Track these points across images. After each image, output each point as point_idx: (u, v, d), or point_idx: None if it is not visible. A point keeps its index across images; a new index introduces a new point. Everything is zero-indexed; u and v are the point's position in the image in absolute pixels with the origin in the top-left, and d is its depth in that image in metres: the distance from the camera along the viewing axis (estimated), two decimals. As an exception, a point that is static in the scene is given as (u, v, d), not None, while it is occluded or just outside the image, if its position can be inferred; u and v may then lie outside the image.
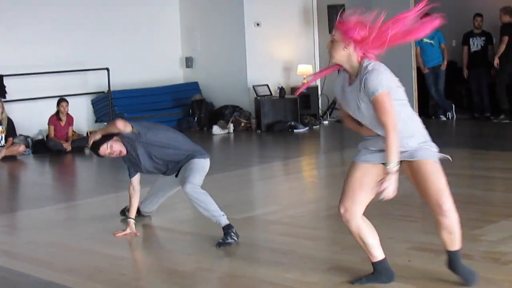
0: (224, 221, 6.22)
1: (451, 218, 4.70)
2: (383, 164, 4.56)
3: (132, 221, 6.70)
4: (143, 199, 6.99)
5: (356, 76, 4.57)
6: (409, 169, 4.74)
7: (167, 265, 5.91)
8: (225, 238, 6.14)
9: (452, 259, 4.84)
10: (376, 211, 7.37)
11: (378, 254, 4.92)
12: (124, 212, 7.23)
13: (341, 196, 4.83)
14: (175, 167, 6.66)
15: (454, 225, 4.75)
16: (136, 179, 6.72)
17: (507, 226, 6.55)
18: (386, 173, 4.50)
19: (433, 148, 4.82)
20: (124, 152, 6.43)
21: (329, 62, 4.77)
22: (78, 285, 5.41)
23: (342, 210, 4.78)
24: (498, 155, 10.65)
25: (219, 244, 6.13)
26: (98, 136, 6.42)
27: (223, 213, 6.27)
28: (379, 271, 4.93)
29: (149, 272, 5.74)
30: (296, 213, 7.52)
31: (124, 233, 6.67)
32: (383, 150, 4.53)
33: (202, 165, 6.58)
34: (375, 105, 4.46)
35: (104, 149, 6.36)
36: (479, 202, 7.64)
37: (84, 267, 5.88)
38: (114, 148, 6.37)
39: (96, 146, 6.41)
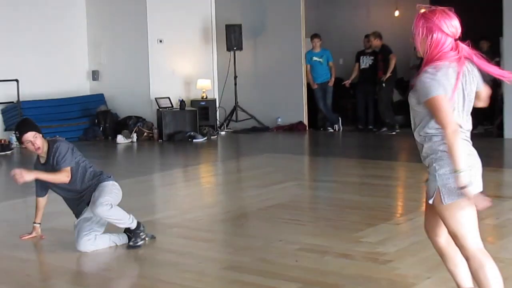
0: (135, 224, 6.12)
1: (469, 263, 3.82)
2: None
3: (37, 226, 6.51)
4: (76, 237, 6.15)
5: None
6: None
7: (72, 266, 5.81)
8: (135, 240, 6.08)
9: None
10: (268, 215, 7.46)
11: None
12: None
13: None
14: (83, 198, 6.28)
15: (475, 273, 3.80)
16: (43, 200, 6.49)
17: (386, 229, 6.70)
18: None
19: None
20: (41, 151, 6.20)
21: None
22: (-16, 286, 5.27)
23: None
24: (380, 164, 10.87)
25: (129, 247, 6.06)
26: (29, 177, 6.18)
27: (131, 217, 6.14)
28: None
29: (54, 273, 5.64)
30: (194, 217, 7.51)
31: (29, 236, 6.51)
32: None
33: (110, 187, 6.22)
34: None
35: (29, 136, 6.09)
36: (361, 207, 7.78)
37: (-10, 269, 5.73)
38: (37, 141, 6.13)
39: (24, 128, 6.17)
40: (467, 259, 3.81)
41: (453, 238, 3.84)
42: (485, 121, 14.07)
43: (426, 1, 19.11)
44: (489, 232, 6.60)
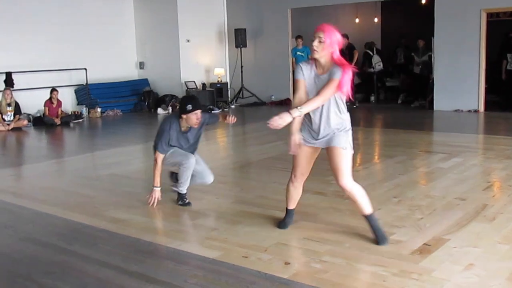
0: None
1: (348, 192, 4.18)
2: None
3: (158, 189, 5.50)
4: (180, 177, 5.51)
5: (327, 70, 4.03)
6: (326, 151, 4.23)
7: (126, 201, 5.81)
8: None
9: (367, 221, 4.27)
10: (265, 165, 7.47)
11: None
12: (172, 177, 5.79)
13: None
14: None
15: (353, 196, 4.20)
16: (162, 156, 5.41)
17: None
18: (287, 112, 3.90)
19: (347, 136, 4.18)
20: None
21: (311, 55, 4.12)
22: (64, 215, 5.29)
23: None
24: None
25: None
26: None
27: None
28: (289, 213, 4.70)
29: (114, 205, 5.63)
30: (213, 165, 7.43)
31: (152, 199, 5.51)
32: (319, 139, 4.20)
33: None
34: (329, 82, 3.96)
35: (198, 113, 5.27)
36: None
37: (68, 203, 5.74)
38: (199, 115, 5.28)
39: (198, 108, 5.29)
40: (344, 187, 4.16)
41: (339, 172, 4.13)
42: (420, 98, 14.02)
43: (378, 10, 19.00)
44: (422, 177, 6.62)
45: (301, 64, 4.19)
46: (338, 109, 4.13)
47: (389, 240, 4.19)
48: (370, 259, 3.90)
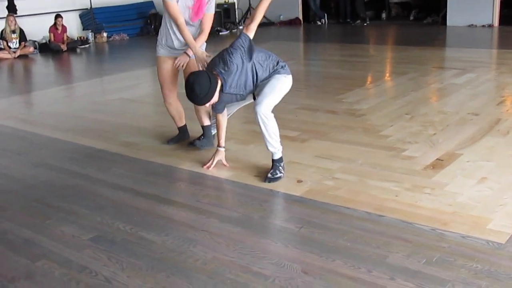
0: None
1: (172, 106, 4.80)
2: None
3: (222, 150, 4.31)
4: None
5: None
6: None
7: (136, 124, 5.81)
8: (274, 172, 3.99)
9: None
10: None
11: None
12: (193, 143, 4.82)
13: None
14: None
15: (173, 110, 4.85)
16: (224, 113, 4.32)
17: (360, 92, 6.65)
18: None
19: None
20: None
21: None
22: (76, 140, 5.31)
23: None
24: (355, 47, 10.68)
25: (268, 180, 3.91)
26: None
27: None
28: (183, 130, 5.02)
29: (124, 129, 5.63)
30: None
31: (210, 163, 4.26)
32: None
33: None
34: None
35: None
36: (342, 77, 7.70)
37: (79, 128, 5.75)
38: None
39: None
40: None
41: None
42: (433, 13, 13.69)
43: None
44: (435, 93, 6.55)
45: None
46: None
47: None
48: (382, 175, 3.91)
